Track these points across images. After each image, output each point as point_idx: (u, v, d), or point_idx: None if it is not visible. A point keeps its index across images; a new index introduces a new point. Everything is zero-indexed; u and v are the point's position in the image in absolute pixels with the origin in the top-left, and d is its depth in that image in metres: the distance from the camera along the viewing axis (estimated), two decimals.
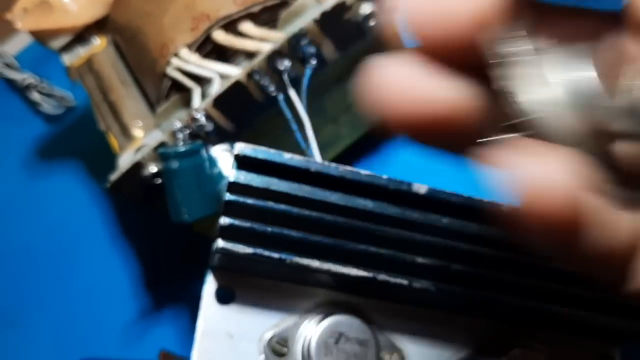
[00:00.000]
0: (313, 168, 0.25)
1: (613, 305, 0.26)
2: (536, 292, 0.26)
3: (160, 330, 0.37)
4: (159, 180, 0.28)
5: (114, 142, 0.32)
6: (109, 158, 0.44)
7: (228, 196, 0.24)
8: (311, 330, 0.25)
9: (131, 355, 0.36)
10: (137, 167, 0.28)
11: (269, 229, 0.24)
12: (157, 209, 0.31)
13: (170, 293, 0.38)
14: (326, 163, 0.25)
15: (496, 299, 0.25)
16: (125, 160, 0.29)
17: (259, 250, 0.23)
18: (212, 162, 0.28)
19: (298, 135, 0.28)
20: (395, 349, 0.26)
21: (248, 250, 0.23)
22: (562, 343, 0.28)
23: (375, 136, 0.37)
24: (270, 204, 0.24)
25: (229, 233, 0.23)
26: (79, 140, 0.46)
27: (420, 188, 0.26)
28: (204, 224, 0.34)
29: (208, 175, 0.27)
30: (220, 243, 0.23)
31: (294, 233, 0.24)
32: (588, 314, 0.26)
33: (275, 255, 0.23)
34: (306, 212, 0.24)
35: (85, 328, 0.39)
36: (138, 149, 0.30)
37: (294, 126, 0.28)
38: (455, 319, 0.27)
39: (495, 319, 0.27)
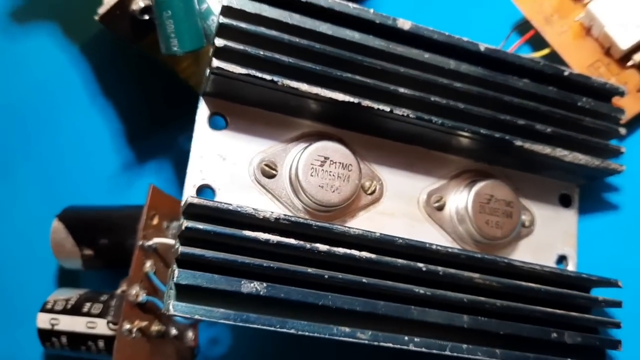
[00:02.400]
0: None
1: (575, 143, 0.29)
2: (506, 127, 0.28)
3: (143, 181, 0.39)
4: (147, 16, 0.29)
5: None
6: (84, 18, 0.44)
7: (222, 19, 0.24)
8: (299, 154, 0.26)
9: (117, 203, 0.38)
10: (125, 0, 0.28)
11: (262, 52, 0.25)
12: (146, 50, 0.32)
13: (153, 146, 0.39)
14: None
15: (469, 131, 0.27)
16: None
17: (252, 71, 0.24)
18: None
19: None
20: (375, 177, 0.28)
21: (242, 70, 0.24)
22: (527, 180, 0.31)
23: None
24: (262, 29, 0.25)
25: (224, 54, 0.24)
26: (52, 0, 0.45)
27: (405, 24, 0.27)
28: (189, 69, 0.35)
29: (197, 10, 0.28)
30: (215, 63, 0.24)
31: (284, 58, 0.25)
32: (552, 150, 0.29)
33: (268, 76, 0.25)
34: (296, 39, 0.25)
35: (70, 182, 0.40)
36: None
37: None
38: (432, 154, 0.29)
39: (469, 154, 0.30)
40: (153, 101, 0.40)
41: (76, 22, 0.43)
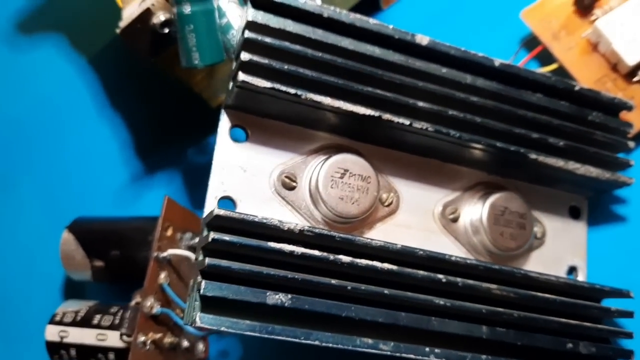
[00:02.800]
0: (326, 13, 0.26)
1: (586, 156, 0.30)
2: (521, 140, 0.29)
3: (152, 194, 0.39)
4: (167, 30, 0.29)
5: None
6: (92, 30, 0.44)
7: (247, 34, 0.25)
8: (318, 166, 0.27)
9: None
10: (147, 14, 0.29)
11: (286, 66, 0.25)
12: (162, 64, 0.32)
13: (161, 158, 0.39)
14: (338, 9, 0.26)
15: (486, 144, 0.28)
16: (130, 11, 0.30)
17: (277, 85, 0.25)
18: (221, 12, 0.29)
19: None
20: (392, 189, 0.29)
21: (267, 84, 0.25)
22: (537, 192, 0.31)
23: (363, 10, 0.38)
24: (287, 44, 0.25)
25: (249, 68, 0.25)
26: (61, 12, 0.45)
27: (423, 39, 0.27)
28: (203, 83, 0.35)
29: (217, 24, 0.28)
30: (241, 76, 0.24)
31: (308, 72, 0.25)
32: (565, 163, 0.29)
33: (292, 90, 0.25)
34: (319, 54, 0.26)
35: (76, 195, 0.40)
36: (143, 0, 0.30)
37: None
38: (446, 166, 0.30)
39: (483, 166, 0.30)
40: (162, 113, 0.40)
41: (84, 33, 0.43)
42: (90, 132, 0.41)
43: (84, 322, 0.34)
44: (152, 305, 0.31)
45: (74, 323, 0.34)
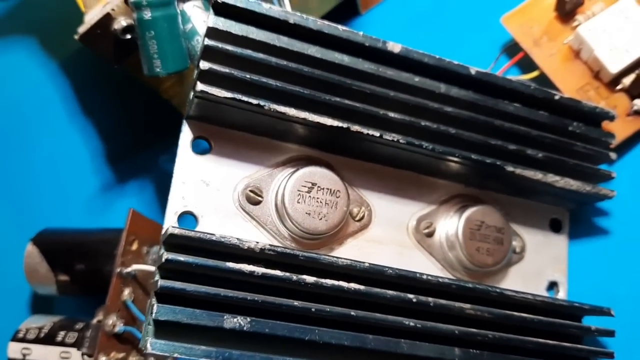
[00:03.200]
0: (292, 19, 0.25)
1: (566, 168, 0.29)
2: (497, 152, 0.27)
3: (124, 202, 0.37)
4: (129, 36, 0.28)
5: (79, 0, 0.31)
6: (64, 34, 0.42)
7: (207, 41, 0.24)
8: (285, 179, 0.26)
9: (95, 226, 0.36)
10: (107, 19, 0.27)
11: (248, 76, 0.24)
12: (129, 70, 0.30)
13: (133, 167, 0.38)
14: (304, 16, 0.25)
15: (460, 156, 0.27)
16: (91, 15, 0.28)
17: (238, 95, 0.23)
18: (185, 17, 0.27)
19: None
20: (363, 203, 0.28)
21: (227, 94, 0.23)
22: (517, 205, 0.30)
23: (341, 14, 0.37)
24: (249, 52, 0.24)
25: (209, 77, 0.23)
26: (31, 15, 0.43)
27: (395, 47, 0.26)
28: (173, 90, 0.34)
29: (181, 30, 0.27)
30: (199, 86, 0.23)
31: (272, 82, 0.24)
32: (543, 175, 0.28)
33: (254, 100, 0.24)
34: (284, 62, 0.25)
35: (47, 204, 0.39)
36: (107, 4, 0.29)
37: None
38: (421, 178, 0.29)
39: (460, 178, 0.29)
40: (134, 121, 0.39)
41: (56, 38, 0.42)
42: (60, 139, 0.40)
43: (48, 339, 0.32)
44: (114, 323, 0.29)
45: (37, 340, 0.33)
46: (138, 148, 0.39)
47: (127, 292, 0.30)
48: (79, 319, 0.33)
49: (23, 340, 0.33)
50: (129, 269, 0.30)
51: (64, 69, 0.42)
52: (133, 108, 0.39)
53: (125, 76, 0.34)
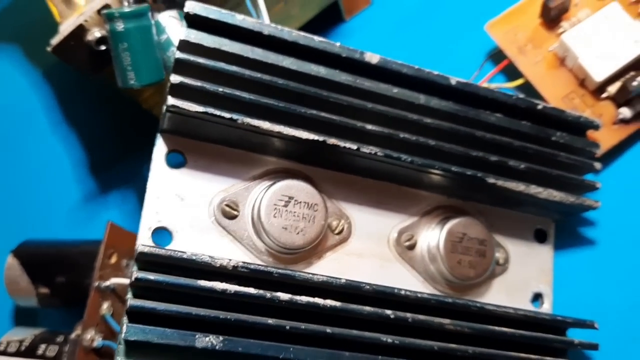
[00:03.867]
0: (266, 31, 0.24)
1: (549, 179, 0.28)
2: (478, 164, 0.27)
3: (106, 213, 0.37)
4: (103, 47, 0.27)
5: (54, 10, 0.30)
6: (46, 42, 0.42)
7: (179, 54, 0.23)
8: (261, 193, 0.25)
9: (77, 238, 0.36)
10: (80, 30, 0.27)
11: (221, 89, 0.23)
12: (108, 80, 0.30)
13: (116, 177, 0.38)
14: (279, 27, 0.25)
15: (440, 168, 0.26)
16: (65, 26, 0.28)
17: (210, 109, 0.23)
18: (160, 28, 0.27)
19: (248, 4, 0.27)
20: (343, 216, 0.27)
21: (199, 108, 0.23)
22: (501, 216, 0.30)
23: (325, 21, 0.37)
24: (222, 64, 0.24)
25: (180, 91, 0.23)
26: (13, 22, 0.43)
27: (373, 58, 0.26)
28: (152, 100, 0.33)
29: (156, 41, 0.26)
30: (170, 100, 0.23)
31: (245, 95, 0.24)
32: (526, 187, 0.28)
33: (227, 114, 0.23)
34: (258, 75, 0.24)
35: (29, 214, 0.39)
36: (80, 15, 0.28)
37: None
38: (403, 190, 0.28)
39: (442, 190, 0.28)
40: (117, 131, 0.38)
41: (38, 47, 0.41)
42: (42, 149, 0.39)
43: (28, 352, 0.32)
44: (92, 337, 0.29)
45: (18, 353, 0.32)
46: (120, 158, 0.38)
47: (105, 306, 0.30)
48: (61, 331, 0.33)
49: (4, 353, 0.32)
50: (107, 283, 0.29)
51: (46, 77, 0.41)
52: (115, 118, 0.39)
53: (108, 85, 0.33)
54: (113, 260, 0.30)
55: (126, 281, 0.30)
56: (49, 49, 0.27)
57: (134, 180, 0.38)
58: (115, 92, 0.37)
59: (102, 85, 0.38)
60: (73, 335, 0.30)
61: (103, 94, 0.39)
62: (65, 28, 0.27)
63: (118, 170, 0.38)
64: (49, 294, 0.33)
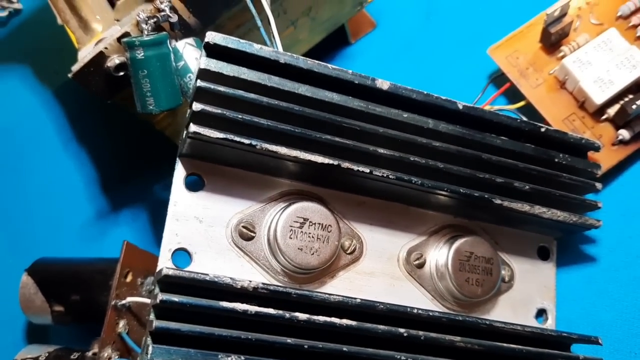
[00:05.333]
0: (282, 59, 0.25)
1: (553, 199, 0.29)
2: (485, 186, 0.28)
3: (117, 230, 0.38)
4: (122, 73, 0.28)
5: (72, 36, 0.31)
6: (57, 62, 0.43)
7: (199, 83, 0.24)
8: (277, 215, 0.26)
9: (89, 256, 0.37)
10: (100, 57, 0.28)
11: (240, 116, 0.24)
12: (121, 104, 0.31)
13: (127, 194, 0.38)
14: (295, 56, 0.26)
15: (449, 190, 0.27)
16: (85, 53, 0.29)
17: (230, 135, 0.24)
18: (177, 55, 0.28)
19: (262, 31, 0.28)
20: (355, 236, 0.28)
21: (219, 135, 0.24)
22: (505, 234, 0.31)
23: (332, 44, 0.38)
24: (241, 92, 0.25)
25: (201, 118, 0.24)
26: (26, 44, 0.44)
27: (384, 84, 0.27)
28: (165, 121, 0.34)
29: (174, 68, 0.27)
30: (192, 128, 0.24)
31: (263, 121, 0.25)
32: (530, 207, 0.29)
33: (246, 140, 0.24)
34: (275, 102, 0.25)
35: (41, 231, 0.39)
36: (99, 41, 0.29)
37: (259, 22, 0.28)
38: (411, 210, 0.29)
39: (449, 209, 0.29)
40: (128, 149, 0.39)
41: (50, 67, 0.43)
42: (54, 167, 0.40)
43: None
44: (109, 355, 0.30)
45: None
46: (132, 176, 0.39)
47: (122, 324, 0.30)
48: (74, 348, 0.33)
49: None
50: (123, 301, 0.30)
51: (58, 97, 0.42)
52: (127, 136, 0.40)
53: (119, 107, 0.34)
54: (129, 279, 0.31)
55: (143, 300, 0.31)
56: (70, 75, 0.28)
57: (144, 198, 0.39)
58: (126, 112, 0.38)
59: (113, 105, 0.39)
60: (90, 353, 0.30)
61: (114, 114, 0.40)
62: (86, 55, 0.28)
63: (129, 188, 0.39)
64: (63, 312, 0.34)
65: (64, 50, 0.39)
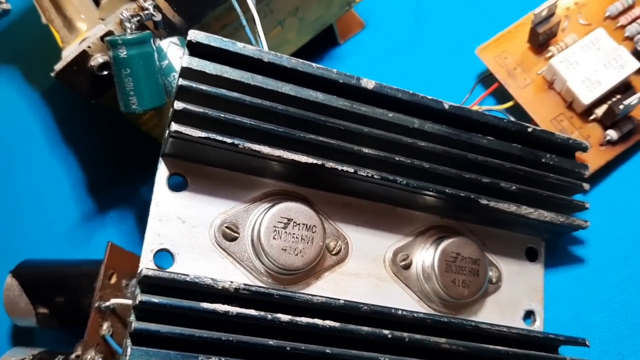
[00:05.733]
0: (266, 58, 0.25)
1: (540, 200, 0.29)
2: (471, 186, 0.28)
3: (104, 232, 0.38)
4: (105, 72, 0.28)
5: (57, 35, 0.31)
6: (45, 64, 0.42)
7: (181, 81, 0.24)
8: (261, 215, 0.26)
9: (75, 258, 0.36)
10: (83, 56, 0.28)
11: (222, 115, 0.24)
12: (108, 105, 0.31)
13: (114, 196, 0.38)
14: (279, 54, 0.26)
15: (434, 190, 0.27)
16: (69, 52, 0.29)
17: (212, 135, 0.24)
18: (161, 54, 0.28)
19: (248, 31, 0.28)
20: (340, 237, 0.28)
21: (201, 134, 0.24)
22: (493, 235, 0.31)
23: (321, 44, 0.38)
24: (223, 91, 0.24)
25: (183, 117, 0.24)
26: (14, 45, 0.43)
27: (369, 83, 0.27)
28: (151, 122, 0.34)
29: (157, 67, 0.27)
30: (173, 127, 0.23)
31: (246, 120, 0.24)
32: (517, 208, 0.28)
33: (228, 139, 0.24)
34: (258, 101, 0.25)
35: (27, 233, 0.39)
36: (83, 40, 0.29)
37: (244, 21, 0.28)
38: (398, 211, 0.29)
39: (435, 210, 0.29)
40: (115, 150, 0.39)
41: (37, 69, 0.42)
42: (42, 168, 0.40)
43: None
44: (93, 358, 0.29)
45: None
46: (118, 178, 0.39)
47: (105, 327, 0.30)
48: (59, 351, 0.33)
49: None
50: (107, 303, 0.30)
51: (45, 98, 0.42)
52: (114, 138, 0.39)
53: (106, 107, 0.34)
54: (113, 280, 0.31)
55: (126, 301, 0.30)
56: (52, 74, 0.28)
57: (131, 200, 0.39)
58: (114, 113, 0.37)
59: (100, 107, 0.39)
60: (73, 356, 0.30)
61: (101, 115, 0.40)
62: (69, 54, 0.28)
63: (116, 190, 0.39)
64: (48, 314, 0.33)
65: (53, 51, 0.39)
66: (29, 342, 0.37)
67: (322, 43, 0.38)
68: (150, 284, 0.22)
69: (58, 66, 0.28)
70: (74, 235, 0.38)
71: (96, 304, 0.30)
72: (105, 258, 0.30)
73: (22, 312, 0.34)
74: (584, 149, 0.30)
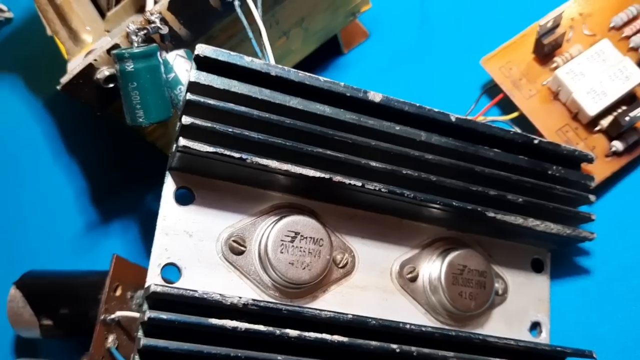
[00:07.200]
0: (273, 72, 0.25)
1: (546, 212, 0.29)
2: (478, 198, 0.28)
3: (108, 242, 0.37)
4: (112, 85, 0.28)
5: (62, 48, 0.31)
6: (49, 72, 0.42)
7: (189, 96, 0.24)
8: (268, 229, 0.26)
9: (79, 268, 0.36)
10: (89, 69, 0.27)
11: (230, 129, 0.24)
12: (112, 115, 0.31)
13: (118, 206, 0.38)
14: (286, 68, 0.25)
15: (441, 203, 0.27)
16: (75, 64, 0.29)
17: (220, 149, 0.24)
18: (168, 67, 0.28)
19: (254, 43, 0.28)
20: (347, 250, 0.28)
21: (209, 149, 0.23)
22: (499, 246, 0.31)
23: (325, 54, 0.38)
24: (231, 105, 0.24)
25: (191, 132, 0.24)
26: (17, 53, 0.43)
27: (376, 96, 0.27)
28: (157, 132, 0.34)
29: (164, 80, 0.27)
30: (181, 142, 0.23)
31: (254, 134, 0.24)
32: (524, 220, 0.28)
33: (236, 154, 0.24)
34: (266, 115, 0.25)
35: (31, 243, 0.39)
36: (89, 53, 0.29)
37: (250, 33, 0.28)
38: (404, 223, 0.29)
39: (442, 222, 0.29)
40: (120, 160, 0.39)
41: (41, 77, 0.42)
42: (45, 178, 0.40)
43: None
44: None
45: None
46: (123, 188, 0.39)
47: (111, 339, 0.30)
48: None
49: None
50: (112, 316, 0.30)
51: (49, 108, 0.42)
52: (119, 147, 0.39)
53: (110, 116, 0.34)
54: (118, 292, 0.31)
55: (132, 314, 0.30)
56: (58, 87, 0.28)
57: (135, 209, 0.38)
58: (118, 122, 0.37)
59: (104, 116, 0.39)
60: None
61: (105, 125, 0.40)
62: (75, 67, 0.28)
63: (120, 199, 0.39)
64: (52, 326, 0.33)
65: (56, 59, 0.39)
66: (33, 353, 0.37)
67: (327, 53, 0.38)
68: (158, 300, 0.22)
69: (64, 79, 0.28)
70: (78, 245, 0.38)
71: (101, 317, 0.29)
72: (110, 270, 0.30)
73: (27, 324, 0.33)
74: (590, 161, 0.30)
